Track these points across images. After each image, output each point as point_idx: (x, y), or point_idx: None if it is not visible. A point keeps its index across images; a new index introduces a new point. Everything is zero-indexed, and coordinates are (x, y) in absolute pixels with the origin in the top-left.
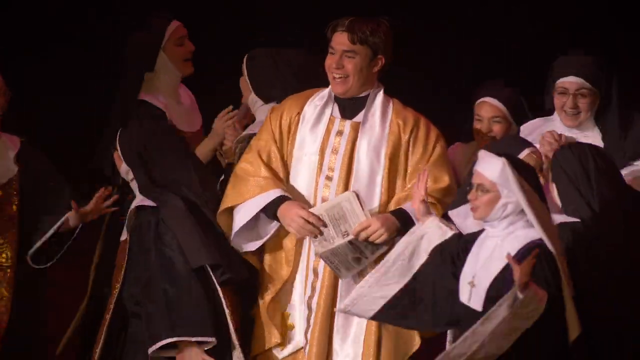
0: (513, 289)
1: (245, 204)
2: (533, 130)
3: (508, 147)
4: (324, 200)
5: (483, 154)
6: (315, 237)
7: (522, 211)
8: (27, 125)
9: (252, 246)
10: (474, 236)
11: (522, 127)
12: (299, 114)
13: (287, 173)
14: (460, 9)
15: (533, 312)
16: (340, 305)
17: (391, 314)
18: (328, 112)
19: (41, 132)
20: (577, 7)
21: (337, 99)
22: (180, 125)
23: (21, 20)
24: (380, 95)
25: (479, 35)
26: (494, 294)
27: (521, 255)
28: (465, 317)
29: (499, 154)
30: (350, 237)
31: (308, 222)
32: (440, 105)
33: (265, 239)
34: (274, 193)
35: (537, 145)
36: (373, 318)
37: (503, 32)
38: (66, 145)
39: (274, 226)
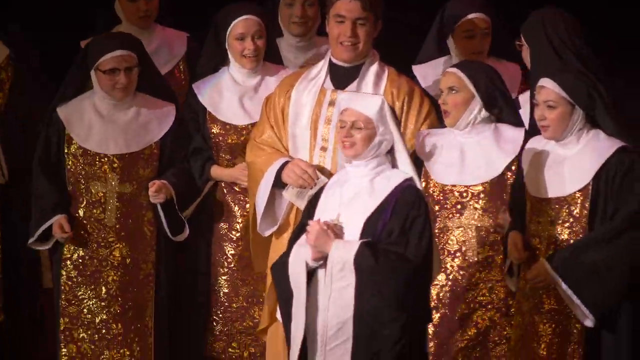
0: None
1: (260, 185)
2: None
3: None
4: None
5: (356, 94)
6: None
7: (388, 152)
8: (27, 120)
9: (272, 229)
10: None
11: None
12: (289, 92)
13: (287, 151)
14: None
15: (346, 264)
16: None
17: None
18: (319, 84)
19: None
20: None
21: (332, 70)
22: None
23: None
24: (375, 64)
25: None
26: (368, 231)
27: (398, 193)
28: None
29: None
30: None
31: (306, 172)
32: None
33: (280, 217)
34: (280, 161)
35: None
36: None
37: None
38: None
39: (285, 201)
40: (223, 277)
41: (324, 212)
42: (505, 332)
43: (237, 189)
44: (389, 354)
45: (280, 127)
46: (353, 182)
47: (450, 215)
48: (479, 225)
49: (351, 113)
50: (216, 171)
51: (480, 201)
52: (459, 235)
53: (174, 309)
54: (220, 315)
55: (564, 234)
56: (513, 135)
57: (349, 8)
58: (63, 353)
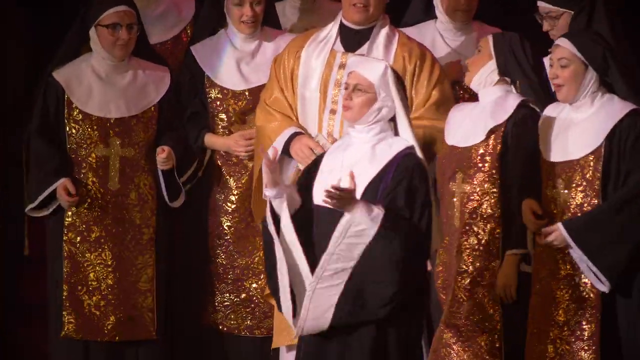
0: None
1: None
2: None
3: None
4: (329, 134)
5: (362, 58)
6: None
7: (391, 120)
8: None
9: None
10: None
11: None
12: (298, 53)
13: (296, 114)
14: None
15: (365, 230)
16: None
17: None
18: (329, 46)
19: None
20: None
21: (343, 32)
22: (155, 36)
23: None
24: (385, 28)
25: None
26: (369, 197)
27: (399, 160)
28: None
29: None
30: None
31: (314, 153)
32: None
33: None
34: (289, 131)
35: None
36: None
37: None
38: None
39: (292, 167)
40: (219, 249)
41: (325, 176)
42: (483, 302)
43: (234, 160)
44: (375, 312)
45: (289, 88)
46: (355, 148)
47: (449, 179)
48: (458, 190)
49: (355, 76)
50: (211, 139)
51: (465, 167)
52: (449, 200)
53: (171, 276)
54: (217, 286)
55: (577, 197)
56: (508, 104)
57: None
58: (67, 320)
